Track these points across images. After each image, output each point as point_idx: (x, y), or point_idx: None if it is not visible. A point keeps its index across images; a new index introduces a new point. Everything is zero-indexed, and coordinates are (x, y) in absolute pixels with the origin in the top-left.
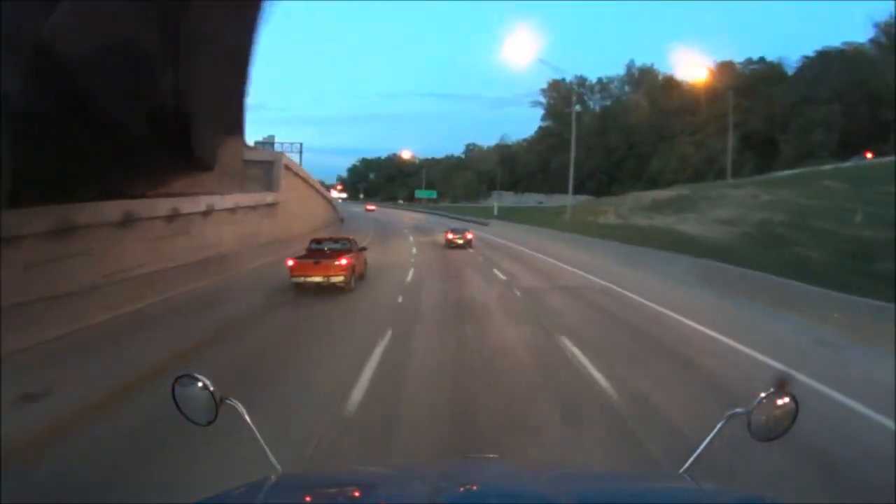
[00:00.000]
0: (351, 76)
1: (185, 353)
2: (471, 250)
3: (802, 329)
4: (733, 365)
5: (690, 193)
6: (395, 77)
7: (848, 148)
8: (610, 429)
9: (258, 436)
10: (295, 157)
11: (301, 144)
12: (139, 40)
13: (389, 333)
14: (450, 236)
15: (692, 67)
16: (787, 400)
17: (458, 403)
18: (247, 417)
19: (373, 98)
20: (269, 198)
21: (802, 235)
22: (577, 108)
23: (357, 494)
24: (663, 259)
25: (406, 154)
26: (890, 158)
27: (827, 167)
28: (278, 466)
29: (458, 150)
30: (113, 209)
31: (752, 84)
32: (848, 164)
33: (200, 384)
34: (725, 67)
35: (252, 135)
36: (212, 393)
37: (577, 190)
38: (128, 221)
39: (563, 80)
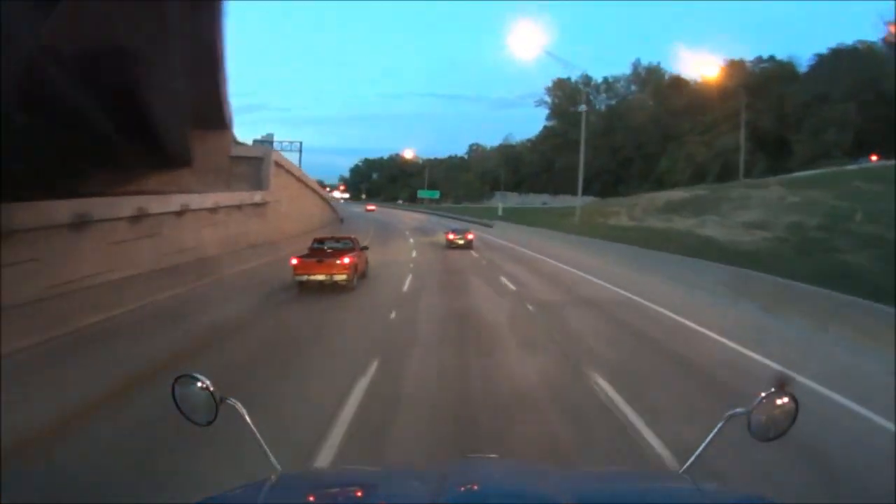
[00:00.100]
0: (354, 76)
1: (117, 392)
2: (474, 254)
3: (881, 360)
4: (828, 421)
5: (708, 194)
6: (397, 77)
7: (862, 147)
8: None
9: (258, 436)
10: (294, 156)
11: (300, 143)
12: None
13: (374, 367)
14: (450, 237)
15: (701, 66)
16: (786, 400)
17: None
18: (247, 418)
19: (375, 98)
20: (256, 196)
21: (843, 240)
22: (583, 107)
23: (357, 494)
24: (689, 267)
25: (408, 154)
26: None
27: (853, 167)
28: (278, 466)
29: (461, 151)
30: (62, 210)
31: (762, 83)
32: (853, 167)
33: (200, 384)
34: (735, 66)
35: (252, 134)
36: (211, 393)
37: (583, 190)
38: (82, 223)
39: (569, 79)
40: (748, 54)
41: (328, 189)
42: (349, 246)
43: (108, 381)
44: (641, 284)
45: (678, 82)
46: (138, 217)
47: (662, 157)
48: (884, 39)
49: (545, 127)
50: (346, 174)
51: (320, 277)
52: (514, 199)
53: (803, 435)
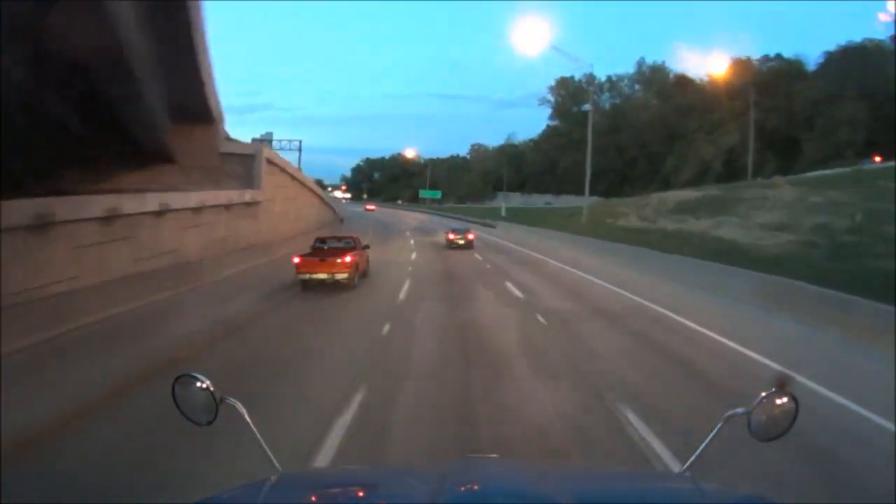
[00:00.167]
0: (357, 77)
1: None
2: (477, 256)
3: None
4: None
5: (722, 194)
6: (400, 78)
7: (875, 146)
8: None
9: (258, 436)
10: (294, 155)
11: (300, 142)
12: None
13: (359, 399)
14: (451, 236)
15: (707, 64)
16: (786, 400)
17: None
18: (247, 418)
19: (378, 99)
20: (247, 196)
21: (878, 244)
22: (587, 106)
23: (357, 494)
24: (714, 273)
25: (410, 153)
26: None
27: (874, 166)
28: (278, 466)
29: (463, 151)
30: (20, 210)
31: (770, 81)
32: (872, 166)
33: (200, 384)
34: (742, 64)
35: (252, 133)
36: (211, 393)
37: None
38: (43, 225)
39: (572, 77)
40: (752, 53)
41: (330, 189)
42: (351, 245)
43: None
44: (664, 293)
45: (683, 81)
46: (110, 218)
47: (668, 157)
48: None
49: (548, 126)
50: (348, 174)
51: (322, 276)
52: (516, 199)
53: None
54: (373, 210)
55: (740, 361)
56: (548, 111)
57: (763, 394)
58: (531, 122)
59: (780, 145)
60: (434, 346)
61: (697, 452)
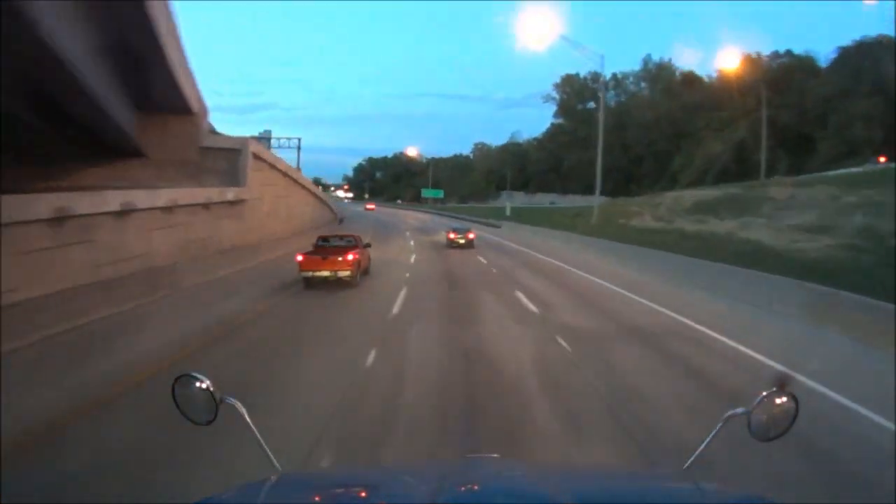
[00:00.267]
0: (359, 76)
1: None
2: (482, 259)
3: None
4: None
5: (743, 193)
6: (402, 78)
7: (892, 144)
8: None
9: (258, 436)
10: (293, 153)
11: (299, 139)
12: None
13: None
14: (451, 236)
15: (716, 61)
16: (786, 399)
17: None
18: (247, 418)
19: (381, 98)
20: (229, 194)
21: None
22: (593, 104)
23: (357, 494)
24: (752, 282)
25: (412, 152)
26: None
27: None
28: (278, 466)
29: (465, 150)
30: None
31: (781, 77)
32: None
33: (200, 384)
34: (751, 61)
35: (253, 131)
36: (211, 393)
37: (594, 189)
38: None
39: (577, 74)
40: (760, 50)
41: (332, 188)
42: (352, 243)
43: None
44: (701, 307)
45: (690, 78)
46: (60, 219)
47: (676, 155)
48: None
49: (553, 124)
50: (351, 174)
51: (325, 274)
52: (520, 199)
53: None
54: (372, 209)
55: (839, 416)
56: (552, 109)
57: (763, 393)
58: (535, 122)
59: (791, 143)
60: (427, 390)
61: (697, 452)
